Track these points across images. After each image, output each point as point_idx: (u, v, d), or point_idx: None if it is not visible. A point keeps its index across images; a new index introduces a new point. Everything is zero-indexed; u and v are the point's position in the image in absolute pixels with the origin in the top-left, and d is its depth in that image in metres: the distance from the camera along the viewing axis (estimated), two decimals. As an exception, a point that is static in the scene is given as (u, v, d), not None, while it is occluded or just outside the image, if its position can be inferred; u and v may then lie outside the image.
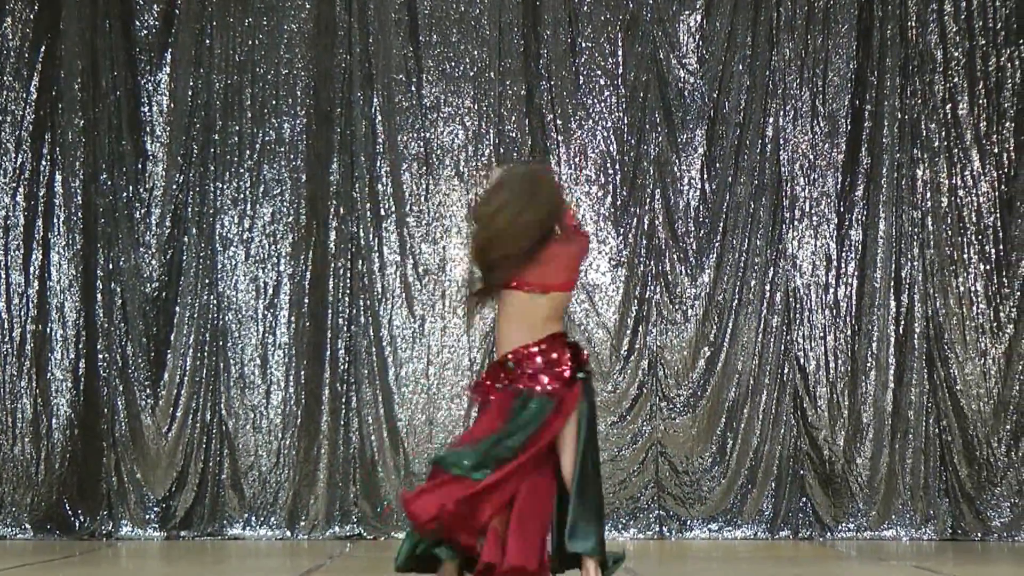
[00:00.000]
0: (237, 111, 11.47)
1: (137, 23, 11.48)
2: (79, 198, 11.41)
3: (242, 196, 11.44)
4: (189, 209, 11.45)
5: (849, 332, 11.38)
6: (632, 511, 11.27)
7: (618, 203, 11.48)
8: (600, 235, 11.47)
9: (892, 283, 11.39)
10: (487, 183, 6.30)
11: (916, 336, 11.36)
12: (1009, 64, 11.46)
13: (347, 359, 11.36)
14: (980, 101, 11.44)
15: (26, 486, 11.23)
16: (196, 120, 11.47)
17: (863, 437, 11.31)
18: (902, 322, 11.38)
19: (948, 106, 11.45)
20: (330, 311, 11.37)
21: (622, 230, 11.47)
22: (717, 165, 11.48)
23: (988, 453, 11.26)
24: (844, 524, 11.27)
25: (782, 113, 11.49)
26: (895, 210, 11.42)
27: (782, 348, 11.38)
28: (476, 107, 11.48)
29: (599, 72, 11.50)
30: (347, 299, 11.39)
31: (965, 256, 11.39)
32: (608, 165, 11.48)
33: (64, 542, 11.06)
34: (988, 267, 11.37)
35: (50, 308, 11.35)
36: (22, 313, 11.34)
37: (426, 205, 11.42)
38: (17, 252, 11.37)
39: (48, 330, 11.34)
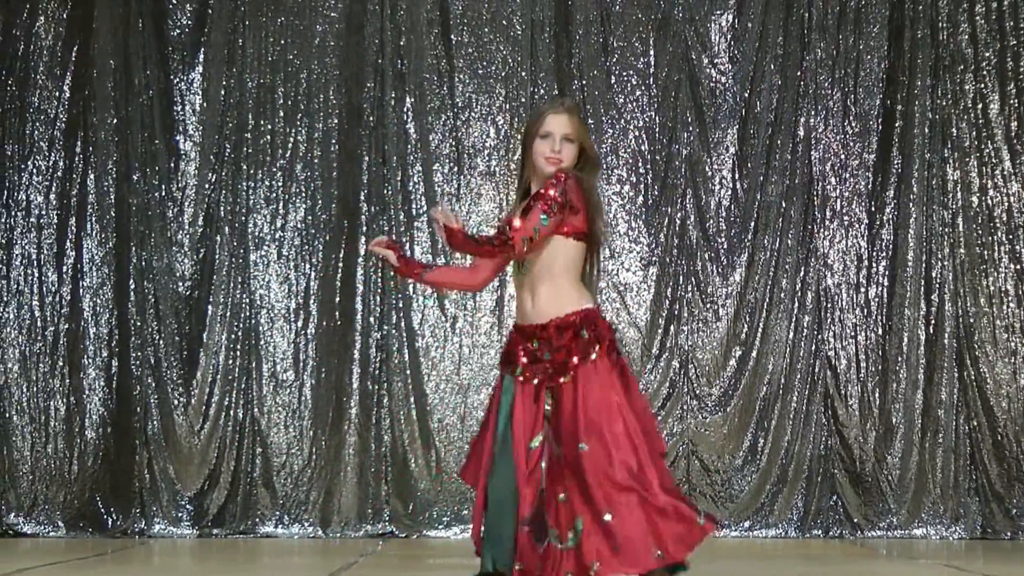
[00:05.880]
0: (269, 110, 11.49)
1: (170, 22, 11.50)
2: (112, 197, 11.44)
3: (274, 195, 11.46)
4: (221, 208, 11.47)
5: (880, 331, 11.39)
6: (663, 509, 11.27)
7: (649, 202, 11.50)
8: (632, 234, 11.49)
9: (923, 283, 11.40)
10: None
11: (946, 335, 11.37)
12: (1040, 64, 11.49)
13: (378, 357, 11.39)
14: (1011, 101, 11.43)
15: (59, 484, 11.25)
16: (228, 119, 11.49)
17: (893, 436, 11.32)
18: (932, 321, 11.39)
19: (979, 106, 11.45)
20: (361, 310, 11.39)
21: (653, 229, 11.48)
22: (748, 164, 11.49)
23: (1018, 452, 11.26)
24: (874, 523, 11.29)
25: (813, 113, 11.50)
26: (926, 210, 11.43)
27: (813, 347, 11.39)
28: (508, 106, 11.50)
29: (631, 72, 11.52)
30: (379, 298, 11.40)
31: (995, 256, 11.40)
32: (640, 164, 11.50)
33: (97, 540, 11.08)
34: (1018, 267, 11.38)
35: (83, 307, 11.37)
36: (55, 312, 11.36)
37: (457, 204, 11.44)
38: (50, 251, 11.38)
39: (81, 329, 11.36)
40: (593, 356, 5.49)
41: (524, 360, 5.57)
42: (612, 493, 5.35)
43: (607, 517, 5.35)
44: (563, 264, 5.57)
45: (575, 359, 5.49)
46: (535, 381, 5.53)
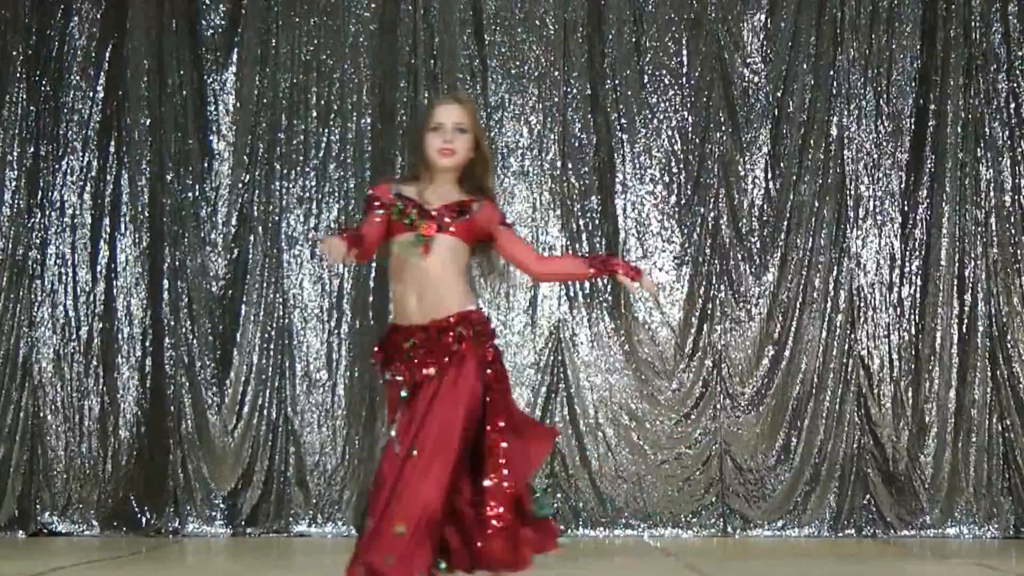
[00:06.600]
0: (303, 110, 11.50)
1: (203, 22, 11.52)
2: (145, 197, 11.45)
3: (307, 195, 11.47)
4: (255, 208, 11.48)
5: (913, 331, 11.39)
6: (696, 509, 11.30)
7: (682, 202, 11.50)
8: (664, 234, 11.50)
9: (956, 282, 11.39)
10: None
11: (979, 335, 11.35)
12: (1074, 63, 11.48)
13: (412, 357, 11.38)
14: (1044, 100, 11.46)
15: (93, 483, 11.27)
16: (262, 119, 11.50)
17: (926, 435, 11.31)
18: (966, 321, 11.38)
19: (1012, 105, 11.44)
20: (394, 309, 11.39)
21: (686, 229, 11.48)
22: (781, 164, 11.48)
23: (1052, 451, 11.28)
24: (907, 522, 11.27)
25: (846, 112, 11.49)
26: (959, 209, 11.42)
27: (846, 347, 11.38)
28: (541, 106, 11.50)
29: (663, 71, 11.52)
30: (411, 297, 11.39)
31: (1029, 255, 11.42)
32: (672, 164, 11.50)
33: (131, 539, 11.10)
34: (1052, 266, 11.40)
35: (116, 306, 11.39)
36: (89, 311, 11.38)
37: (489, 204, 11.43)
38: (84, 251, 11.40)
39: (115, 328, 11.37)
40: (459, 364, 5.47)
41: (398, 363, 5.51)
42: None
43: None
44: (462, 265, 5.57)
45: (440, 363, 5.45)
46: (399, 378, 5.49)
